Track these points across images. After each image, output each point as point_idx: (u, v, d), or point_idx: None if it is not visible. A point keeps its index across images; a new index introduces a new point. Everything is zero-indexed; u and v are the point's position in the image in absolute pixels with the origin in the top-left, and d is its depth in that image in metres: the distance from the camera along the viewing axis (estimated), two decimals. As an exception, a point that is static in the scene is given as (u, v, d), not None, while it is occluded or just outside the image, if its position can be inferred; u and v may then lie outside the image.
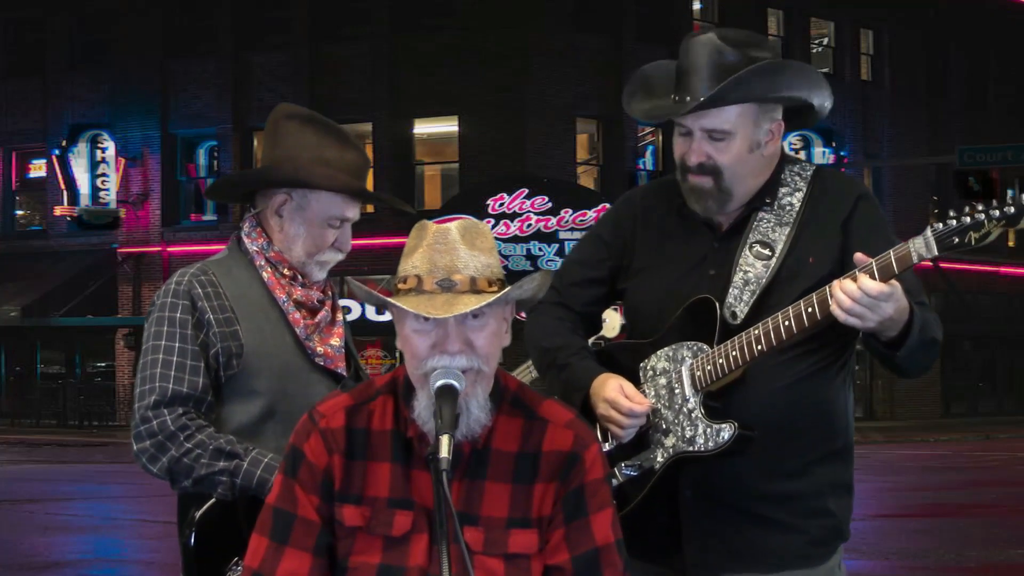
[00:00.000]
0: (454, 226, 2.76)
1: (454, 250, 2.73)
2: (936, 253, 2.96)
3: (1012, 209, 2.94)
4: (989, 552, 12.21)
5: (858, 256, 3.04)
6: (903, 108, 38.57)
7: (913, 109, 38.96)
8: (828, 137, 35.86)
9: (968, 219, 2.95)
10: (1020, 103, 41.93)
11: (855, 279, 2.99)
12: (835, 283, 3.03)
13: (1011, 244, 42.72)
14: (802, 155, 35.09)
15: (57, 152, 34.96)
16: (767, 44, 3.35)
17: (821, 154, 35.38)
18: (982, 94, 41.91)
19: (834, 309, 3.01)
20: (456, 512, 2.59)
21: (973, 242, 2.95)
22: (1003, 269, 41.30)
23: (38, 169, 36.97)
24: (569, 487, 2.79)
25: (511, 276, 2.78)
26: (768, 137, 3.31)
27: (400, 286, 2.77)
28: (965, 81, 41.34)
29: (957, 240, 2.95)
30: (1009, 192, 3.01)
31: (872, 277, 2.99)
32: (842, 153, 36.05)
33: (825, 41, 38.29)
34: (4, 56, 37.47)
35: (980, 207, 2.96)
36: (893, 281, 2.99)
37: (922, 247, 2.96)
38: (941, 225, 2.97)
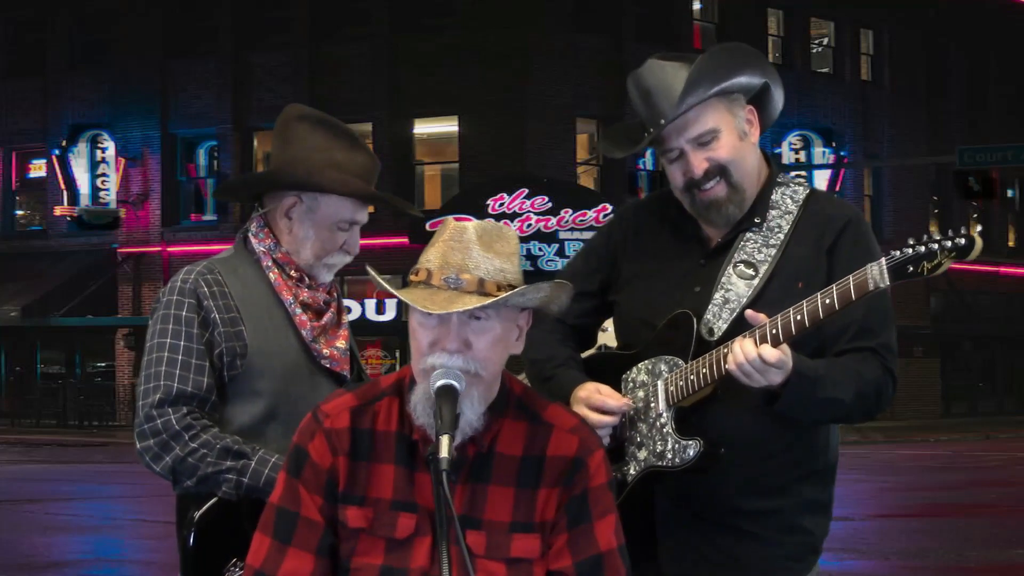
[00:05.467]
0: (472, 225, 2.76)
1: (467, 249, 2.73)
2: (888, 283, 3.02)
3: (963, 241, 2.99)
4: (989, 552, 12.21)
5: (750, 313, 3.12)
6: (903, 108, 38.55)
7: (913, 109, 38.94)
8: (828, 137, 35.86)
9: (923, 248, 3.00)
10: (1020, 103, 41.90)
11: (756, 341, 3.07)
12: (738, 339, 3.10)
13: (1011, 244, 42.75)
14: (802, 155, 35.10)
15: (57, 152, 34.96)
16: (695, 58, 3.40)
17: (821, 154, 35.37)
18: (982, 94, 41.89)
19: (729, 361, 3.09)
20: (459, 515, 2.60)
21: (925, 272, 3.00)
22: (1003, 269, 41.27)
23: (38, 169, 36.95)
24: (573, 492, 2.79)
25: (512, 277, 2.77)
26: (748, 124, 3.36)
27: (412, 278, 2.77)
28: (965, 81, 41.31)
29: (911, 269, 3.01)
30: (974, 227, 3.05)
31: (767, 340, 3.06)
32: (842, 153, 36.04)
33: (825, 41, 38.28)
34: (4, 56, 37.45)
35: (937, 236, 3.02)
36: (786, 349, 3.06)
37: (877, 276, 3.02)
38: (898, 253, 3.02)
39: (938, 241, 3.00)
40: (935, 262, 2.99)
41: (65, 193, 34.84)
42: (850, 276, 3.03)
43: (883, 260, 3.02)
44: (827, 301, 3.04)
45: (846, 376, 3.19)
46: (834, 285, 3.05)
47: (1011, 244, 42.77)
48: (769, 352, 3.04)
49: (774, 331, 3.07)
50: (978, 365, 41.61)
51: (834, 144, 35.76)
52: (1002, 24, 41.13)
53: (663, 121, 3.28)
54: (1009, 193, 42.31)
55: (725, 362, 3.11)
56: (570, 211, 29.76)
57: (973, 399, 40.91)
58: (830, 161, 34.75)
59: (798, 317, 3.06)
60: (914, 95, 39.24)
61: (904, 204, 37.39)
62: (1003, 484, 19.30)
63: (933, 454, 26.04)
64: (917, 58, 39.39)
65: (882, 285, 3.01)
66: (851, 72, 38.04)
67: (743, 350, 3.06)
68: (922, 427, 34.48)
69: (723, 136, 3.30)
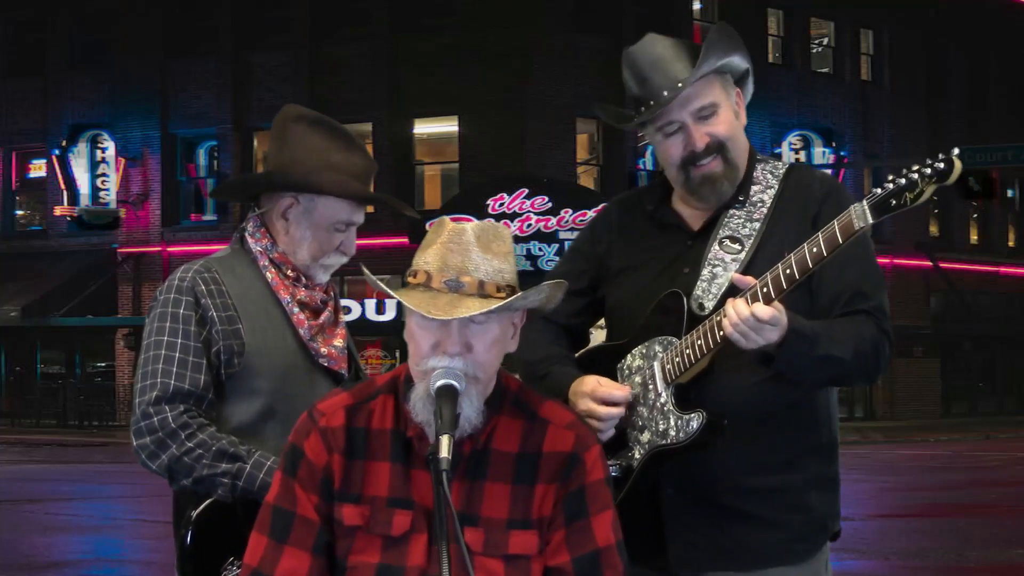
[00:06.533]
0: (471, 227, 2.76)
1: (466, 251, 2.73)
2: (872, 220, 3.01)
3: (942, 165, 2.97)
4: (989, 552, 12.21)
5: (736, 277, 3.12)
6: (903, 108, 38.56)
7: (913, 109, 38.95)
8: (828, 137, 35.86)
9: (903, 180, 2.99)
10: (1020, 103, 41.91)
11: (748, 301, 3.05)
12: (730, 300, 3.09)
13: (1011, 244, 42.76)
14: (802, 155, 35.10)
15: (57, 152, 34.97)
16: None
17: (821, 154, 35.38)
18: (982, 94, 41.90)
19: (724, 324, 3.07)
20: (456, 512, 2.59)
21: (908, 203, 2.99)
22: (1003, 269, 41.29)
23: (38, 169, 36.97)
24: (570, 488, 2.79)
25: (512, 277, 2.78)
26: (738, 105, 3.41)
27: (410, 280, 2.77)
28: (965, 81, 41.32)
29: (894, 203, 3.00)
30: (958, 151, 3.06)
31: (759, 299, 3.05)
32: (842, 153, 36.05)
33: (825, 41, 38.28)
34: (4, 56, 37.46)
35: (915, 167, 3.00)
36: (779, 306, 3.05)
37: (860, 215, 3.01)
38: (879, 191, 3.01)
39: (917, 169, 2.98)
40: (917, 191, 2.97)
41: (65, 193, 34.85)
42: (834, 220, 3.03)
43: (864, 200, 3.02)
44: (814, 249, 3.03)
45: (844, 335, 3.18)
46: (819, 232, 3.04)
47: (1011, 244, 42.79)
48: (762, 310, 3.02)
49: (765, 289, 3.06)
50: (978, 365, 41.59)
51: (834, 144, 35.77)
52: (1002, 24, 41.14)
53: (666, 93, 3.28)
54: (1009, 193, 42.31)
55: (719, 328, 3.10)
56: (570, 211, 29.78)
57: (973, 399, 40.90)
58: (830, 161, 34.75)
59: (787, 271, 3.05)
60: (914, 95, 39.25)
61: (904, 204, 37.32)
62: (1003, 484, 19.30)
63: (933, 454, 26.05)
64: (917, 58, 39.39)
65: (866, 223, 3.00)
66: (851, 72, 38.04)
67: (736, 311, 3.04)
68: (922, 427, 34.47)
69: (722, 112, 3.34)
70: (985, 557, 11.93)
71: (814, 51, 37.84)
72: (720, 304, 3.19)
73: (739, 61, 3.39)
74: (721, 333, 3.10)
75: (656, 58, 3.32)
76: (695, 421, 3.18)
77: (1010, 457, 24.81)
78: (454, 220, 2.85)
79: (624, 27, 32.22)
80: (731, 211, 3.35)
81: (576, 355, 3.50)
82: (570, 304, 3.46)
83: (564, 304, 3.35)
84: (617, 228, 3.51)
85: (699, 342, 3.17)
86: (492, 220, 2.85)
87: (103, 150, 34.97)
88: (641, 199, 3.52)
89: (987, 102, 41.98)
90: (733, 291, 3.18)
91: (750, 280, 3.08)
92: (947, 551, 12.25)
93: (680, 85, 3.27)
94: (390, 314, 30.36)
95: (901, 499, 17.28)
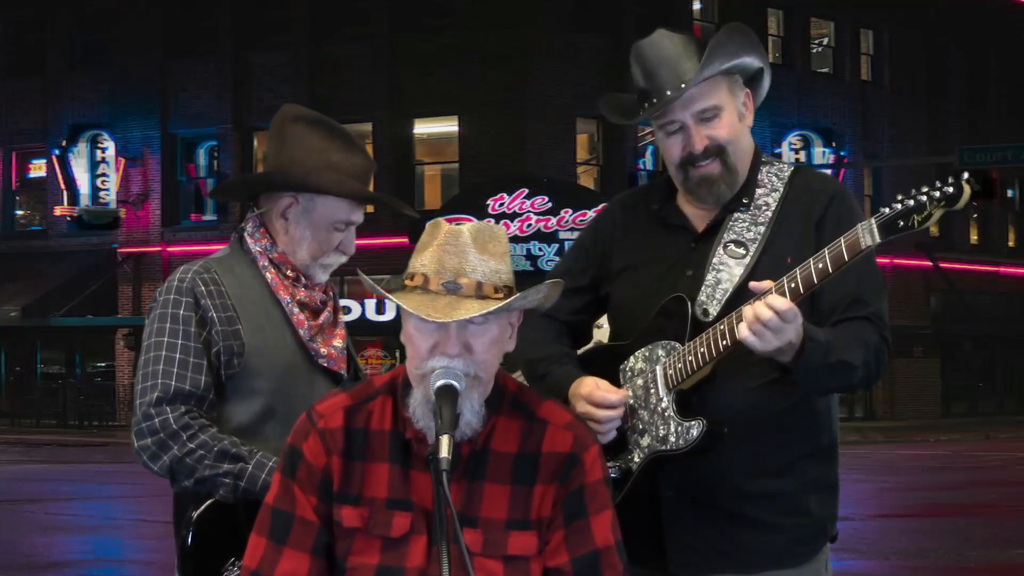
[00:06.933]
0: (467, 228, 2.75)
1: (463, 253, 2.72)
2: (879, 239, 3.00)
3: (951, 189, 2.98)
4: (989, 552, 12.22)
5: (754, 284, 3.10)
6: (903, 108, 38.55)
7: (913, 109, 38.94)
8: (828, 137, 35.87)
9: (912, 202, 2.99)
10: (1020, 103, 41.90)
11: (763, 300, 3.03)
12: (745, 307, 3.07)
13: (1011, 244, 42.76)
14: (802, 155, 35.11)
15: (57, 152, 34.97)
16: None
17: (821, 154, 35.38)
18: (982, 94, 41.89)
19: (740, 327, 3.05)
20: (455, 513, 2.59)
21: (916, 225, 2.99)
22: (1003, 269, 41.29)
23: (38, 169, 36.98)
24: (569, 488, 2.79)
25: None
26: (744, 107, 3.39)
27: (407, 282, 2.76)
28: (965, 81, 41.31)
29: (902, 224, 2.99)
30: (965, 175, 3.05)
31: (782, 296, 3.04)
32: (842, 153, 36.05)
33: (825, 41, 38.28)
34: (4, 56, 37.47)
35: (924, 189, 3.00)
36: (794, 306, 3.03)
37: (867, 234, 3.00)
38: (887, 210, 3.01)
39: (926, 192, 2.98)
40: (925, 214, 2.98)
41: (65, 193, 34.86)
42: (841, 238, 3.03)
43: (872, 218, 3.01)
44: (820, 265, 3.03)
45: (852, 341, 3.17)
46: (826, 248, 3.04)
47: (1011, 244, 42.79)
48: (781, 301, 3.00)
49: None
50: (978, 365, 41.59)
51: (834, 144, 35.77)
52: (1002, 24, 41.14)
53: (669, 92, 3.27)
54: (1009, 193, 42.30)
55: (723, 337, 3.10)
56: (570, 211, 29.77)
57: (973, 399, 40.90)
58: (830, 161, 34.76)
59: (792, 285, 3.04)
60: (914, 95, 39.24)
61: (904, 204, 37.30)
62: (1003, 484, 19.31)
63: (933, 454, 26.04)
64: (917, 58, 39.39)
65: (873, 242, 3.00)
66: (851, 72, 38.04)
67: (755, 312, 3.01)
68: (922, 427, 34.47)
69: (725, 115, 3.32)
70: (985, 557, 11.94)
71: (814, 51, 37.83)
72: (725, 310, 3.18)
73: (751, 61, 3.37)
74: (725, 342, 3.10)
75: (664, 54, 3.30)
76: (695, 429, 3.18)
77: (1010, 457, 24.81)
78: (450, 221, 2.84)
79: (624, 27, 32.22)
80: (736, 214, 3.33)
81: (580, 352, 3.49)
82: (572, 301, 3.45)
83: (566, 301, 3.33)
84: (621, 226, 3.50)
85: (702, 349, 3.16)
86: (491, 220, 2.84)
87: (103, 150, 34.98)
88: (646, 197, 3.51)
89: (987, 102, 41.98)
90: (737, 297, 3.18)
91: (767, 284, 3.07)
92: (947, 551, 12.25)
93: (684, 85, 3.26)
94: (390, 314, 30.35)
95: (901, 499, 17.28)
